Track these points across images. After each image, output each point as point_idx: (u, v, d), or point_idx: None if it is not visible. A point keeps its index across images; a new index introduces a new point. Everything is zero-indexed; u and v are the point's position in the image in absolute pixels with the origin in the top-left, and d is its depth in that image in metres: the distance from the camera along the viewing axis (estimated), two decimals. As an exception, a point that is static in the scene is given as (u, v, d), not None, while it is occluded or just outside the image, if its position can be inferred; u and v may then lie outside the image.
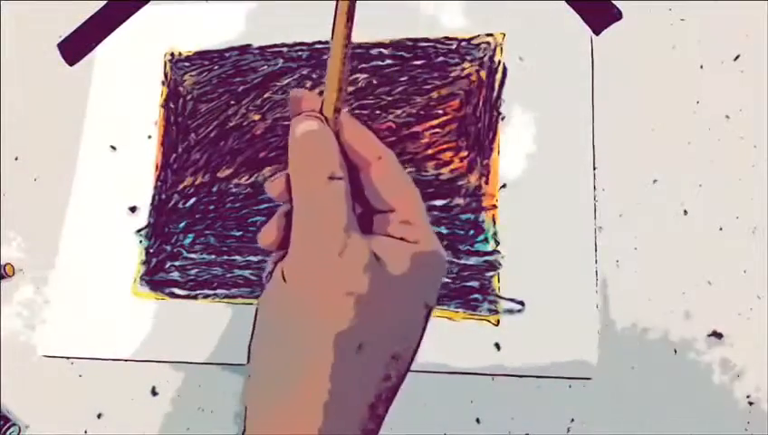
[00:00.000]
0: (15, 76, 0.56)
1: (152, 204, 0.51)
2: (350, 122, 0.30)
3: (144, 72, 0.54)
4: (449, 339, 0.44)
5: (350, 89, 0.50)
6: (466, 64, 0.49)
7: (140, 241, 0.50)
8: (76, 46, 0.55)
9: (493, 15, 0.49)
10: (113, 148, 0.52)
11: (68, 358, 0.49)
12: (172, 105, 0.53)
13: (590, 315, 0.42)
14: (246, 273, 0.47)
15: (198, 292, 0.48)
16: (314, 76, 0.51)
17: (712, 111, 0.45)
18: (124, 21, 0.55)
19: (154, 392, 0.47)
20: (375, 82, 0.50)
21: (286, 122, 0.50)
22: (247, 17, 0.53)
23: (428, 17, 0.50)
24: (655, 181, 0.44)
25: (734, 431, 0.40)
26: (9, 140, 0.54)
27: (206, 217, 0.49)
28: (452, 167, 0.47)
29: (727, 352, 0.41)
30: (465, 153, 0.47)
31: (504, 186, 0.46)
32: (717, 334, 0.41)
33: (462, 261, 0.45)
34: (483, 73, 0.48)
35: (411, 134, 0.48)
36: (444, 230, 0.45)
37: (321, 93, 0.36)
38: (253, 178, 0.49)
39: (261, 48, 0.52)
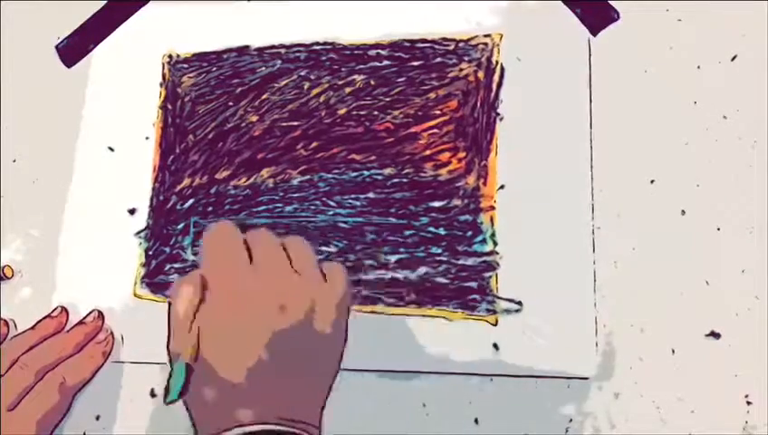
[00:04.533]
0: (14, 78, 0.56)
1: (151, 206, 0.51)
2: None
3: (142, 74, 0.54)
4: (447, 339, 0.44)
5: (348, 90, 0.50)
6: (464, 65, 0.49)
7: (140, 243, 0.50)
8: (74, 48, 0.55)
9: (490, 16, 0.49)
10: (111, 149, 0.53)
11: (67, 360, 0.48)
12: (170, 107, 0.53)
13: (588, 315, 0.42)
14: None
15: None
16: (312, 77, 0.51)
17: (709, 111, 0.45)
18: (122, 22, 0.55)
19: (153, 394, 0.47)
20: (373, 82, 0.50)
21: (284, 124, 0.50)
22: (245, 19, 0.53)
23: (426, 18, 0.50)
24: (653, 181, 0.44)
25: (733, 431, 0.40)
26: (7, 142, 0.54)
27: (205, 219, 0.49)
28: (450, 168, 0.47)
29: (725, 351, 0.41)
30: (463, 154, 0.47)
31: (502, 187, 0.46)
32: (715, 334, 0.41)
33: (460, 262, 0.45)
34: (480, 74, 0.48)
35: (409, 135, 0.48)
36: (442, 232, 0.45)
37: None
38: (251, 180, 0.49)
39: (259, 50, 0.52)
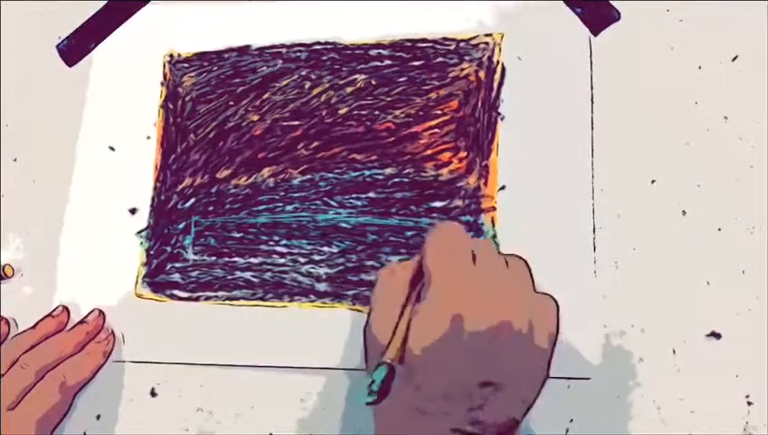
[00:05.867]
0: (14, 77, 0.56)
1: (152, 205, 0.51)
2: None
3: (143, 73, 0.54)
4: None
5: (349, 89, 0.50)
6: (465, 65, 0.49)
7: (141, 242, 0.50)
8: (75, 47, 0.55)
9: (491, 16, 0.49)
10: (112, 149, 0.52)
11: (68, 359, 0.49)
12: (171, 106, 0.53)
13: (589, 316, 0.42)
14: (247, 275, 0.47)
15: (200, 294, 0.48)
16: (313, 77, 0.51)
17: (710, 111, 0.45)
18: (123, 22, 0.55)
19: (153, 394, 0.47)
20: (374, 82, 0.50)
21: (284, 123, 0.50)
22: (246, 18, 0.53)
23: (427, 18, 0.50)
24: (653, 182, 0.44)
25: (734, 431, 0.40)
26: (8, 142, 0.54)
27: (206, 219, 0.49)
28: (451, 168, 0.47)
29: (726, 351, 0.41)
30: (464, 154, 0.47)
31: (502, 187, 0.46)
32: (716, 334, 0.41)
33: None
34: (481, 74, 0.48)
35: (410, 135, 0.48)
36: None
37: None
38: (252, 179, 0.49)
39: (260, 49, 0.52)
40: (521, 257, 0.38)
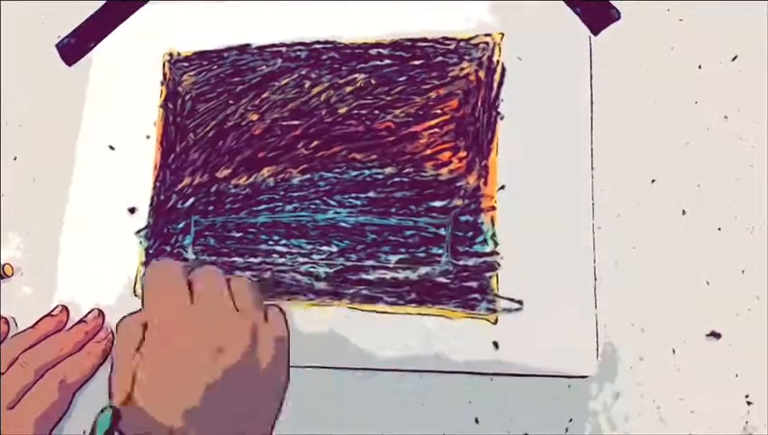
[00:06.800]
0: (14, 77, 0.56)
1: (151, 204, 0.51)
2: None
3: (143, 73, 0.54)
4: (447, 338, 0.44)
5: (349, 89, 0.50)
6: (465, 64, 0.49)
7: (140, 242, 0.50)
8: (75, 46, 0.55)
9: (491, 15, 0.49)
10: (112, 148, 0.52)
11: (67, 358, 0.49)
12: (171, 105, 0.53)
13: (589, 315, 0.42)
14: (247, 274, 0.47)
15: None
16: (313, 76, 0.51)
17: (710, 111, 0.45)
18: (123, 21, 0.55)
19: (153, 393, 0.47)
20: (373, 81, 0.50)
21: (285, 123, 0.50)
22: (246, 17, 0.53)
23: (427, 17, 0.50)
24: (653, 181, 0.44)
25: (733, 431, 0.40)
26: (8, 141, 0.54)
27: (206, 218, 0.49)
28: (451, 167, 0.47)
29: (726, 351, 0.41)
30: (463, 153, 0.47)
31: (502, 187, 0.46)
32: (716, 334, 0.41)
33: (461, 263, 0.45)
34: (481, 73, 0.48)
35: (410, 134, 0.48)
36: (443, 232, 0.45)
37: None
38: (252, 179, 0.49)
39: (259, 48, 0.52)
40: (244, 277, 0.41)
